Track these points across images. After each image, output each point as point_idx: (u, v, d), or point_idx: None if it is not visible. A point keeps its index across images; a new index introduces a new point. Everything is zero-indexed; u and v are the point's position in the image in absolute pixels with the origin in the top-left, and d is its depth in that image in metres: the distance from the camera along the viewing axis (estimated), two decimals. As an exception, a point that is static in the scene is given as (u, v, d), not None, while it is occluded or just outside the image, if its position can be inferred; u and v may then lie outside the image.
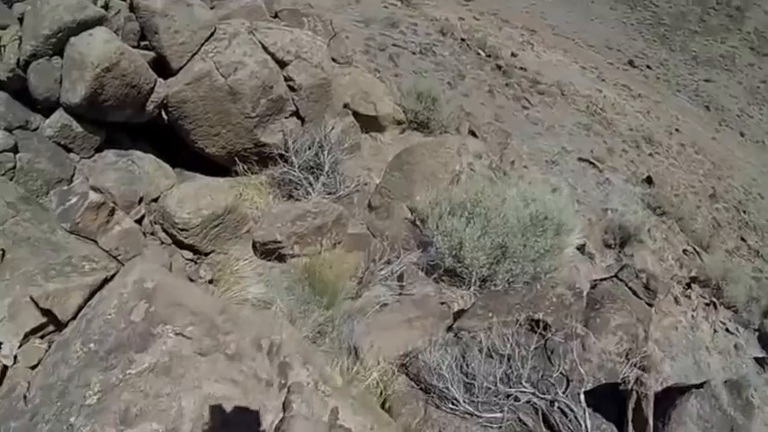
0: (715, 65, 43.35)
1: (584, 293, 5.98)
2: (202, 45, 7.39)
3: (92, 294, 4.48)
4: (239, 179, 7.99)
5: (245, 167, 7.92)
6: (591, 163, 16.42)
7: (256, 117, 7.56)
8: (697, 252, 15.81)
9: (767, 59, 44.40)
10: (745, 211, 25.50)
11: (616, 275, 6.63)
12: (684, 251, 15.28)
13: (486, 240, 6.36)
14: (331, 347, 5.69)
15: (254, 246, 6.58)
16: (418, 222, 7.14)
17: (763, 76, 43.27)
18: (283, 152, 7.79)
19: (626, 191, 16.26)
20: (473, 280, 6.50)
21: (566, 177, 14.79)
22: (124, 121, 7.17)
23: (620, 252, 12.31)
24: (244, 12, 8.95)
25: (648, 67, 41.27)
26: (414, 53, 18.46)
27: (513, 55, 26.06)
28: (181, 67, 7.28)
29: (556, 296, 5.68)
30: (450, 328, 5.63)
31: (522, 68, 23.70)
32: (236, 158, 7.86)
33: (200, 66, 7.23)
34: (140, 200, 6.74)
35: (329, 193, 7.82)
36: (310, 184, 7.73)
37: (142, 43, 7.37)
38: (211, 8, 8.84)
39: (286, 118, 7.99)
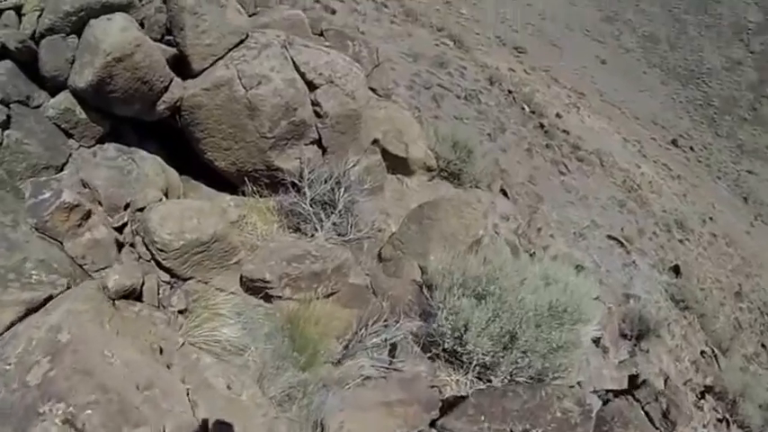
0: (760, 156, 42.18)
1: (594, 413, 5.10)
2: (230, 51, 6.74)
3: (27, 313, 3.76)
4: (246, 200, 7.25)
5: (254, 189, 7.21)
6: (619, 242, 15.52)
7: (273, 138, 6.83)
8: (715, 355, 14.81)
9: None
10: (768, 315, 24.35)
11: (632, 393, 5.74)
12: (702, 353, 14.28)
13: (496, 326, 5.54)
14: (297, 417, 4.88)
15: (241, 279, 5.84)
16: (426, 288, 6.30)
17: (809, 176, 42.00)
18: (297, 181, 7.04)
19: (651, 277, 15.31)
20: (473, 365, 5.66)
21: (591, 254, 13.90)
22: (132, 116, 6.52)
23: (635, 345, 11.37)
24: (285, 24, 8.25)
25: (692, 148, 40.31)
26: (458, 97, 17.78)
27: (557, 116, 25.34)
28: (202, 70, 6.62)
29: (561, 411, 4.82)
30: (433, 424, 4.80)
31: (564, 131, 22.95)
32: (246, 178, 7.15)
33: (223, 72, 6.56)
34: (127, 205, 6.01)
35: (339, 234, 7.06)
36: (320, 221, 6.97)
37: (167, 38, 6.73)
38: (251, 15, 8.19)
39: (306, 145, 7.25)
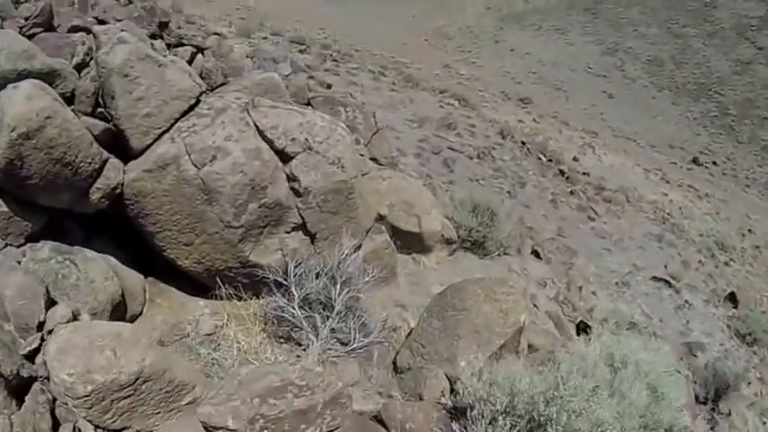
0: (787, 153, 40.19)
1: None
2: (176, 121, 5.61)
3: None
4: (225, 305, 6.04)
5: (231, 292, 5.98)
6: (666, 282, 14.03)
7: (241, 228, 5.64)
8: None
9: None
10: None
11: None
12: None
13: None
14: None
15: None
16: (457, 418, 4.74)
17: (842, 163, 39.87)
18: (282, 279, 5.78)
19: (708, 315, 13.72)
20: None
21: (639, 303, 12.45)
22: (67, 208, 5.45)
23: (713, 410, 9.79)
24: (257, 90, 7.07)
25: (714, 163, 38.62)
26: (471, 158, 16.71)
27: (574, 159, 24.17)
28: (144, 148, 5.52)
29: None
30: None
31: (584, 173, 21.71)
32: (218, 278, 5.93)
33: (167, 148, 5.42)
34: (40, 325, 4.66)
35: (341, 342, 5.81)
36: (314, 328, 5.75)
37: (99, 110, 5.63)
38: (218, 86, 7.14)
39: (287, 233, 6.04)
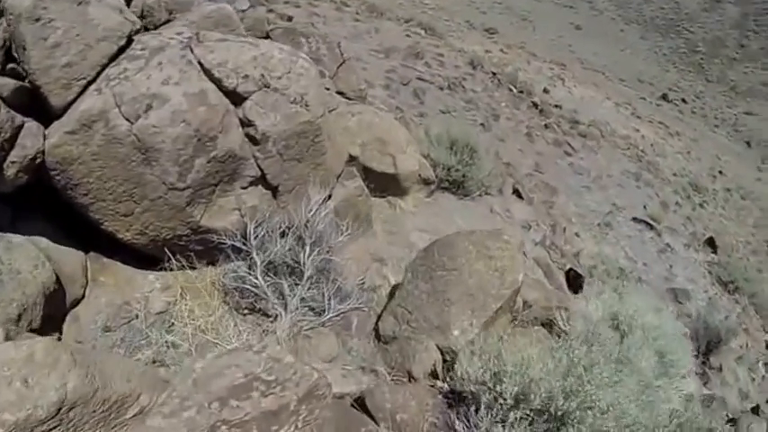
0: (756, 95, 39.91)
1: None
2: (104, 68, 4.46)
3: None
4: (177, 276, 4.97)
5: (183, 262, 4.93)
6: (647, 224, 13.32)
7: (188, 189, 4.55)
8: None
9: None
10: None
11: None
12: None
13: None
14: None
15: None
16: (456, 404, 3.83)
17: (809, 104, 39.86)
18: (241, 244, 4.76)
19: (689, 260, 13.10)
20: None
21: (623, 246, 11.70)
22: None
23: (704, 363, 9.14)
24: (206, 24, 5.93)
25: (683, 100, 38.11)
26: (441, 88, 15.54)
27: (545, 91, 23.16)
28: (67, 105, 4.34)
29: None
30: None
31: (557, 106, 20.74)
32: (167, 249, 4.85)
33: (92, 102, 4.28)
34: None
35: (313, 311, 4.83)
36: (282, 297, 4.75)
37: (10, 66, 4.41)
38: (162, 24, 5.87)
39: (244, 188, 4.96)
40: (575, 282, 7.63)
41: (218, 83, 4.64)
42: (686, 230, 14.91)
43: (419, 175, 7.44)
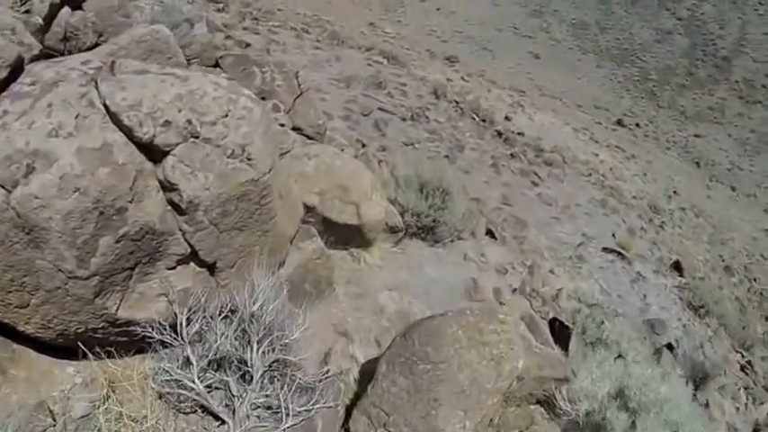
0: (704, 118, 40.37)
1: None
2: None
3: None
4: (101, 367, 3.75)
5: (105, 352, 3.73)
6: (618, 253, 12.59)
7: (94, 277, 3.31)
8: (752, 366, 11.99)
9: (756, 108, 41.63)
10: (755, 280, 21.93)
11: None
12: (743, 369, 11.44)
13: None
14: None
15: None
16: None
17: (752, 126, 40.55)
18: (171, 337, 3.63)
19: (660, 286, 12.41)
20: None
21: (597, 279, 10.92)
22: None
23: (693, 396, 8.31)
24: (138, 50, 4.77)
25: (637, 125, 38.16)
26: (404, 119, 14.71)
27: (506, 118, 22.51)
28: None
29: None
30: None
31: (519, 133, 20.08)
32: (81, 343, 3.62)
33: None
34: None
35: (270, 414, 3.76)
36: (229, 400, 3.66)
37: None
38: (90, 47, 4.78)
39: (171, 269, 3.75)
40: (561, 334, 6.74)
41: (128, 132, 3.36)
42: (653, 256, 14.25)
43: (386, 224, 6.49)
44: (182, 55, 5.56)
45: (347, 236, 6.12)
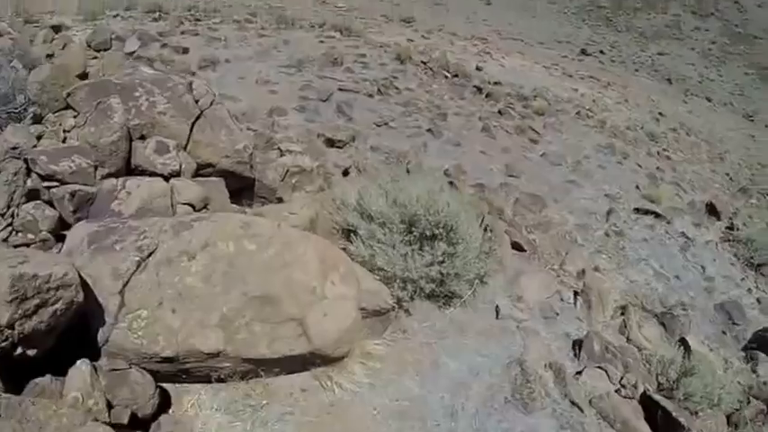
0: (663, 36, 36.82)
1: None
2: None
3: None
4: None
5: None
6: (652, 213, 9.38)
7: None
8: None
9: (711, 20, 38.17)
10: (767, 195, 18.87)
11: None
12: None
13: None
14: None
15: None
16: None
17: (711, 38, 37.10)
18: None
19: (711, 247, 9.20)
20: None
21: (646, 259, 7.74)
22: None
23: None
24: None
25: (602, 52, 34.52)
26: (370, 95, 11.29)
27: (478, 69, 18.96)
28: None
29: None
30: None
31: (497, 83, 16.59)
32: None
33: None
34: None
35: None
36: None
37: None
38: None
39: None
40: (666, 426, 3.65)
41: None
42: (683, 202, 11.05)
43: (364, 311, 3.29)
44: None
45: (300, 364, 2.94)
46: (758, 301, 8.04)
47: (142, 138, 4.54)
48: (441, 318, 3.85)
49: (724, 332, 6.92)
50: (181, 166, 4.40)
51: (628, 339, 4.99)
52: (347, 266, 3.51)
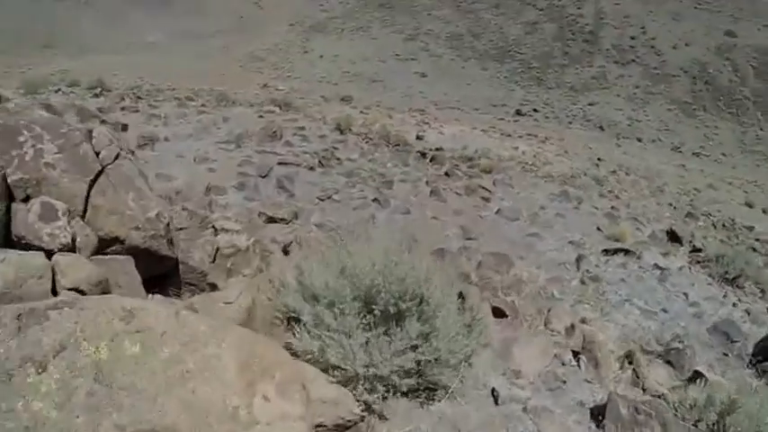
0: (591, 88, 38.33)
1: None
2: None
3: None
4: None
5: None
6: (621, 251, 8.73)
7: None
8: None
9: (632, 66, 40.30)
10: (710, 215, 18.81)
11: None
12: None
13: None
14: None
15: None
16: None
17: (634, 82, 38.83)
18: None
19: (685, 273, 8.62)
20: None
21: (630, 300, 6.98)
22: None
23: None
24: None
25: (535, 110, 35.40)
26: (311, 168, 10.51)
27: (418, 138, 18.68)
28: None
29: None
30: None
31: (439, 149, 16.18)
32: None
33: None
34: None
35: None
36: None
37: None
38: None
39: None
40: None
41: None
42: (645, 235, 10.51)
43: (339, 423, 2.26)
44: None
45: None
46: (747, 312, 7.56)
47: (27, 199, 3.47)
48: (426, 416, 2.84)
49: (725, 353, 6.21)
50: (74, 240, 3.35)
51: (643, 390, 4.10)
52: (288, 370, 2.48)
